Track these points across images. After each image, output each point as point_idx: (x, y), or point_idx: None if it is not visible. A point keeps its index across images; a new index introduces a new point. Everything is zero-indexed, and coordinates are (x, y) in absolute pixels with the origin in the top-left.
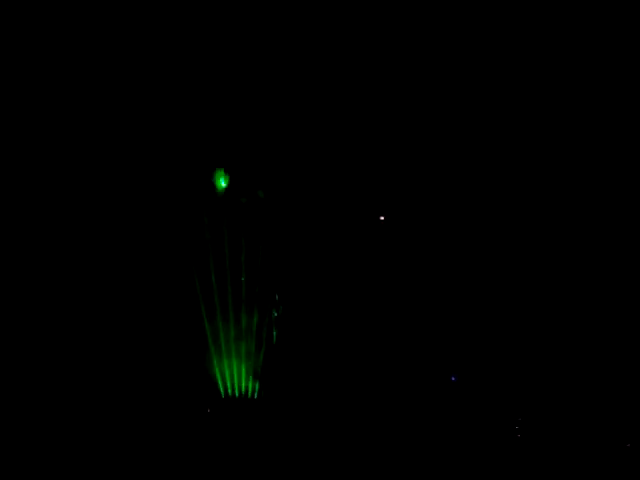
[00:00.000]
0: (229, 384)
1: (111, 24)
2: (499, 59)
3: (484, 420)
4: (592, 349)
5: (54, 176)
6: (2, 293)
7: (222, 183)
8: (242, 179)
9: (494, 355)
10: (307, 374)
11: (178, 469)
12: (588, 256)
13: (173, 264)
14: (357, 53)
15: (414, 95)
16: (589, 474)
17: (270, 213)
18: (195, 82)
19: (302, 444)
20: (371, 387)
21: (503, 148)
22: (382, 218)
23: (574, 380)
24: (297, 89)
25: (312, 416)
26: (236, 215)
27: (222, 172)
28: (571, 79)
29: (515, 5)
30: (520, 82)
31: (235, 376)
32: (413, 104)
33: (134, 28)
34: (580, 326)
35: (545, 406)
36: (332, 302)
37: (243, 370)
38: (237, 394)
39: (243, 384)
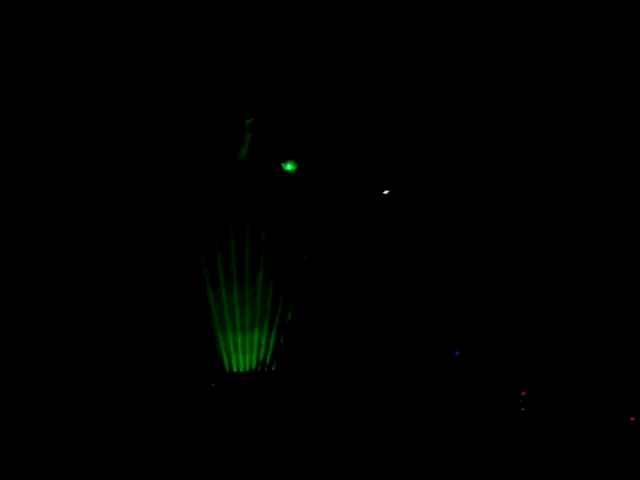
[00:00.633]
0: (234, 358)
1: (111, 24)
2: (499, 59)
3: (484, 419)
4: (592, 346)
5: (55, 175)
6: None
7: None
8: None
9: (495, 351)
10: (313, 354)
11: (182, 446)
12: (588, 255)
13: (177, 240)
14: (357, 52)
15: (414, 94)
16: (589, 473)
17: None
18: (195, 82)
19: (306, 424)
20: (377, 376)
21: (503, 147)
22: (386, 192)
23: (574, 377)
24: (297, 88)
25: (317, 397)
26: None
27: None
28: (571, 79)
29: (515, 5)
30: (520, 82)
31: (240, 350)
32: (413, 103)
33: (134, 28)
34: (580, 323)
35: (545, 404)
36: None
37: (247, 344)
38: (242, 369)
39: (248, 358)
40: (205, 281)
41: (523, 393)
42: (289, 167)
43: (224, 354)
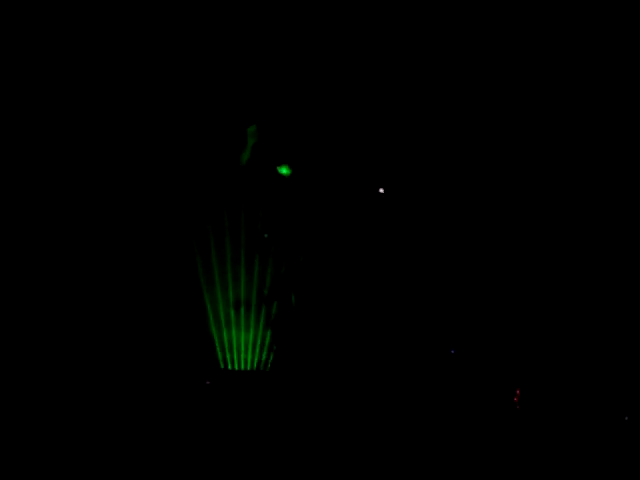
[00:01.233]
0: (228, 355)
1: (111, 24)
2: (499, 59)
3: (483, 417)
4: (592, 346)
5: (54, 175)
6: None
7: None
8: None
9: (494, 351)
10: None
11: (175, 443)
12: (588, 255)
13: (171, 237)
14: (357, 51)
15: (414, 94)
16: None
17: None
18: (195, 82)
19: (302, 422)
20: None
21: (503, 147)
22: (382, 191)
23: (574, 377)
24: (297, 88)
25: (315, 394)
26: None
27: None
28: (571, 79)
29: (515, 5)
30: (520, 82)
31: (235, 346)
32: (413, 103)
33: (134, 28)
34: (580, 323)
35: (545, 404)
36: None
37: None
38: (237, 366)
39: (243, 356)
40: (200, 279)
41: (517, 391)
42: (284, 171)
43: (219, 351)
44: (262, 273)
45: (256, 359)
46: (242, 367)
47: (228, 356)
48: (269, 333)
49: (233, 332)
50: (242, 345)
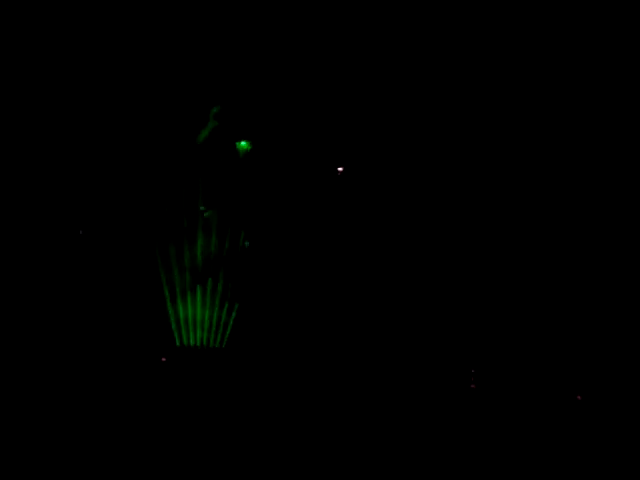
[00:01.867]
0: (184, 332)
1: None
2: (499, 59)
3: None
4: (591, 345)
5: (54, 175)
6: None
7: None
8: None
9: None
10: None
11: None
12: (588, 255)
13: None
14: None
15: (414, 94)
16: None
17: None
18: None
19: (259, 401)
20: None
21: (503, 147)
22: (340, 169)
23: (574, 376)
24: (297, 88)
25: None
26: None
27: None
28: (571, 79)
29: (515, 5)
30: (520, 82)
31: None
32: (413, 103)
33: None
34: (580, 322)
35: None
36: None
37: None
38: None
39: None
40: (156, 257)
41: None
42: (243, 146)
43: (175, 329)
44: (219, 249)
45: (212, 337)
46: (198, 344)
47: (184, 333)
48: (225, 310)
49: (189, 309)
50: (198, 322)
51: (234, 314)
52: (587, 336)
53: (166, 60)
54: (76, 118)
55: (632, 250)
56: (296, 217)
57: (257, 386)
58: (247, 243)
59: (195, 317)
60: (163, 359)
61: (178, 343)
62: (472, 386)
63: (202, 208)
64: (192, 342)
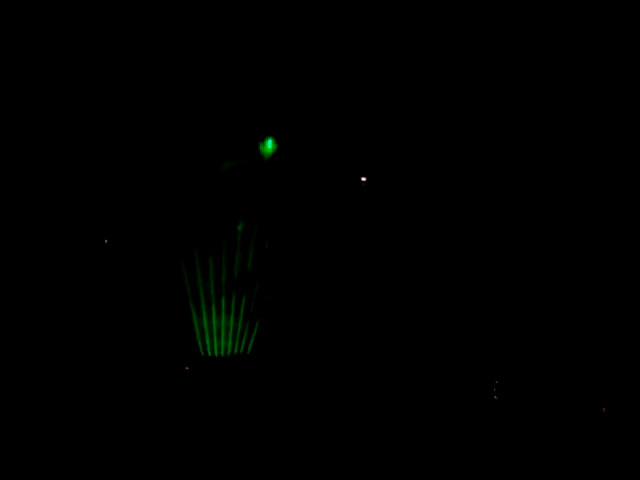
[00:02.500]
0: (208, 342)
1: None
2: (499, 59)
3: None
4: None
5: (54, 175)
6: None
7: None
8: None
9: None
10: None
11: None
12: (588, 256)
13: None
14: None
15: (414, 94)
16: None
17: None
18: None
19: (282, 410)
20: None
21: (503, 147)
22: (364, 179)
23: (574, 376)
24: (297, 88)
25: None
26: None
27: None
28: (571, 79)
29: (515, 5)
30: (520, 82)
31: (215, 334)
32: (413, 103)
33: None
34: (579, 322)
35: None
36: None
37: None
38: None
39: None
40: (181, 267)
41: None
42: (268, 148)
43: (199, 338)
44: (243, 261)
45: (236, 345)
46: (222, 354)
47: (208, 343)
48: (248, 320)
49: (213, 319)
50: (222, 332)
51: (257, 323)
52: (587, 336)
53: (197, 78)
54: (109, 133)
55: (632, 249)
56: (317, 227)
57: (279, 393)
58: (267, 244)
59: (219, 326)
60: (186, 368)
61: (202, 353)
62: (495, 397)
63: (233, 221)
64: (216, 352)
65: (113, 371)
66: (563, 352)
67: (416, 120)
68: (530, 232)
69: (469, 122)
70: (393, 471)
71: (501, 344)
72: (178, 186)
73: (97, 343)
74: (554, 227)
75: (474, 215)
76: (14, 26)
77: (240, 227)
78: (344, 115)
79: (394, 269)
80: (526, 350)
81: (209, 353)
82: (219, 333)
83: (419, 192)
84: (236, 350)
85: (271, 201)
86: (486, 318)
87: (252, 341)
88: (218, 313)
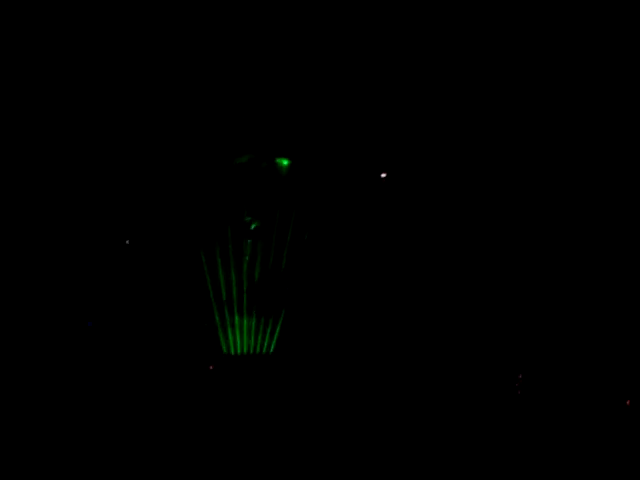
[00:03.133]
0: (231, 340)
1: (111, 24)
2: (499, 59)
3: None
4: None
5: (54, 176)
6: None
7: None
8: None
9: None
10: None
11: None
12: (588, 256)
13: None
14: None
15: (414, 94)
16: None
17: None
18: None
19: (302, 411)
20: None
21: (503, 147)
22: (383, 175)
23: (573, 376)
24: (298, 88)
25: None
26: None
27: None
28: (571, 79)
29: (515, 5)
30: (520, 82)
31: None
32: (413, 103)
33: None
34: (579, 323)
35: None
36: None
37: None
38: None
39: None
40: (204, 267)
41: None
42: (284, 164)
43: (221, 336)
44: (264, 261)
45: (258, 344)
46: (244, 351)
47: (231, 341)
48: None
49: (236, 318)
50: (245, 330)
51: (280, 321)
52: (587, 336)
53: (209, 80)
54: (126, 136)
55: (631, 248)
56: (339, 228)
57: (298, 393)
58: (306, 236)
59: (242, 325)
60: (211, 367)
61: (225, 350)
62: (518, 392)
63: (248, 219)
64: (239, 350)
65: (134, 369)
66: (564, 352)
67: (431, 119)
68: (543, 232)
69: (476, 123)
70: (414, 471)
71: (514, 341)
72: (201, 184)
73: (120, 341)
74: (566, 227)
75: (483, 215)
76: (15, 26)
77: (254, 225)
78: (349, 116)
79: (411, 270)
80: (531, 349)
81: (232, 351)
82: (241, 331)
83: (434, 190)
84: (258, 349)
85: (297, 200)
86: (500, 317)
87: (274, 341)
88: (240, 312)
